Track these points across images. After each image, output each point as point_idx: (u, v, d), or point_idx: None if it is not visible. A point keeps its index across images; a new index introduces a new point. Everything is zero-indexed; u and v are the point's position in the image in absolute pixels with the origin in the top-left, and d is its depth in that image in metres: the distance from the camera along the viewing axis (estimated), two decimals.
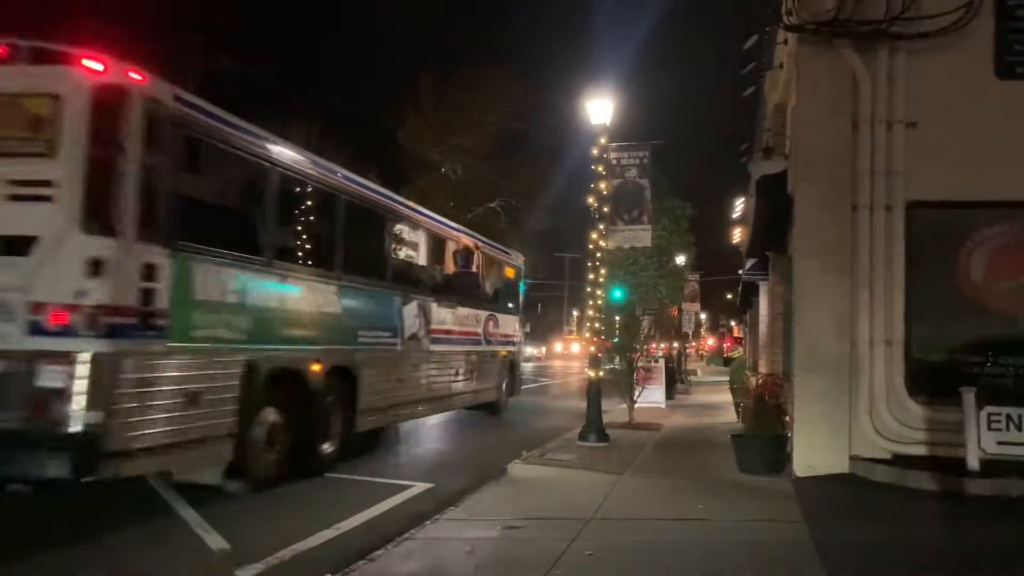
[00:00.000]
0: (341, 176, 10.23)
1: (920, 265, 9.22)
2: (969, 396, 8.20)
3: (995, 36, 9.06)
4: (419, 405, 12.32)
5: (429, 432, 14.44)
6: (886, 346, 9.03)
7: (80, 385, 6.07)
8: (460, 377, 14.01)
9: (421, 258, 13.33)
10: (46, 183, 6.31)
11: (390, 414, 11.27)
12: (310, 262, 9.37)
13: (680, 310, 32.27)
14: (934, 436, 8.79)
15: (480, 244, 15.74)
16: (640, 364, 16.65)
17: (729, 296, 54.31)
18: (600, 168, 12.75)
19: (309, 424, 9.12)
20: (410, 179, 38.29)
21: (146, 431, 6.66)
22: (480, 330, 15.24)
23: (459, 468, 9.87)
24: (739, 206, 24.09)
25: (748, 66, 16.14)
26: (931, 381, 9.08)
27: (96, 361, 6.16)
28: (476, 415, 15.53)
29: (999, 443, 8.13)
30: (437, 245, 13.76)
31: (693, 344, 69.78)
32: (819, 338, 9.12)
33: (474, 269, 14.92)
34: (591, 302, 13.06)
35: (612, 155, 13.04)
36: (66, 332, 6.08)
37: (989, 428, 8.15)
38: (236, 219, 8.23)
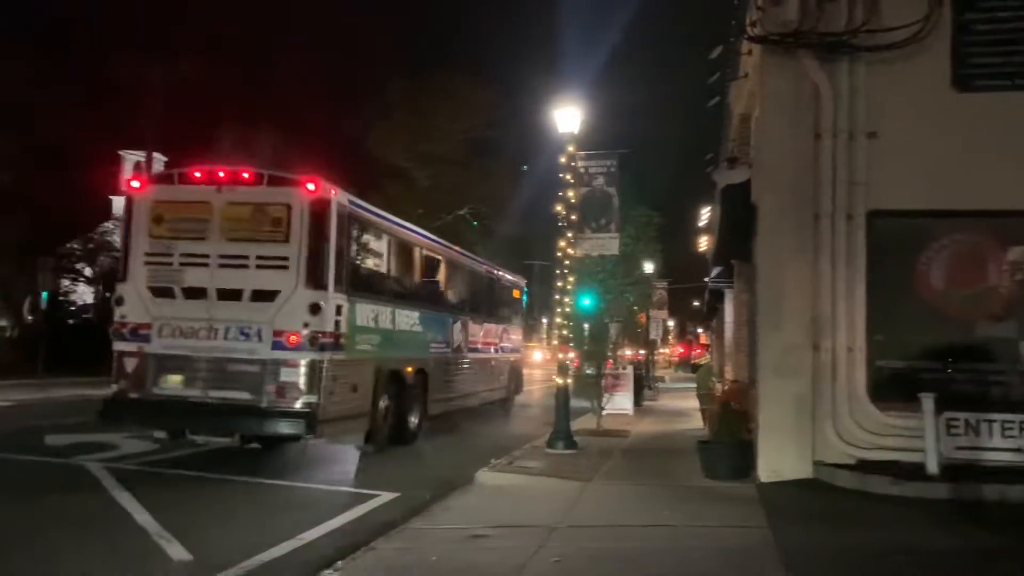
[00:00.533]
0: (422, 235, 14.57)
1: (881, 273, 9.30)
2: (928, 402, 8.32)
3: (952, 49, 9.19)
4: (460, 398, 16.04)
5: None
6: (848, 353, 9.10)
7: (304, 379, 9.77)
8: (484, 377, 17.90)
9: (463, 286, 16.81)
10: (284, 258, 10.12)
11: (444, 403, 14.97)
12: (404, 298, 13.17)
13: (648, 317, 32.49)
14: (896, 441, 8.83)
15: (500, 274, 20.03)
16: (608, 371, 16.76)
17: (696, 303, 54.66)
18: (568, 176, 12.73)
19: (403, 407, 12.78)
20: (379, 186, 38.19)
21: (335, 407, 10.31)
22: (497, 340, 19.21)
23: (426, 477, 9.81)
24: (705, 215, 24.07)
25: (714, 76, 16.32)
26: (892, 387, 9.16)
27: (311, 365, 9.87)
28: (447, 420, 15.78)
29: (957, 448, 8.28)
30: (473, 276, 17.59)
31: (661, 351, 70.27)
32: (783, 345, 9.16)
33: (495, 293, 19.09)
34: (559, 309, 13.13)
35: (580, 163, 13.02)
36: (296, 348, 9.78)
37: (948, 433, 8.29)
38: (376, 273, 12.20)
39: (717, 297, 23.43)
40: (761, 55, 9.74)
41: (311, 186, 10.24)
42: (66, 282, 32.83)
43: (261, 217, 10.18)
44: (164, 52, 32.56)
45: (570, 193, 12.72)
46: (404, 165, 40.12)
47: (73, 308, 32.58)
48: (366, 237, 11.68)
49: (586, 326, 15.81)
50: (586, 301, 14.80)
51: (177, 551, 6.22)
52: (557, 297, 13.20)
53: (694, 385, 28.17)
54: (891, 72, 9.22)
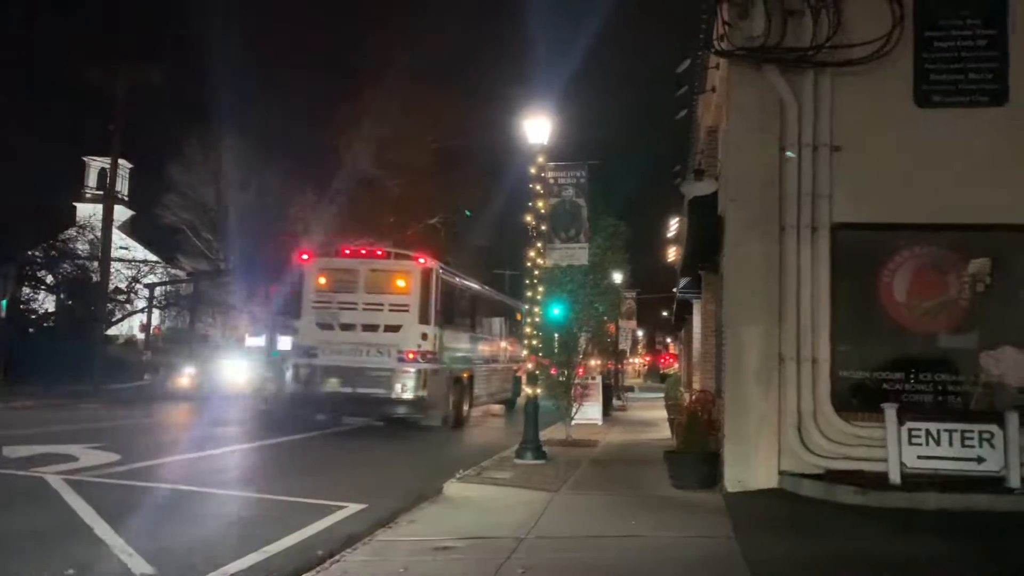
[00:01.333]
0: (474, 283, 22.68)
1: (845, 285, 9.35)
2: (891, 412, 8.42)
3: (914, 65, 9.26)
4: (488, 396, 22.78)
5: (364, 451, 14.26)
6: (812, 364, 9.13)
7: (417, 381, 16.49)
8: (499, 382, 24.31)
9: (491, 314, 23.86)
10: (406, 305, 16.99)
11: (480, 400, 21.70)
12: (465, 326, 20.39)
13: (617, 327, 32.60)
14: (860, 451, 8.88)
15: (511, 302, 26.45)
16: (577, 381, 16.78)
17: (665, 313, 55.01)
18: (538, 187, 12.77)
19: (463, 400, 19.62)
20: (351, 196, 38.02)
21: (431, 399, 17.00)
22: (508, 354, 25.30)
23: (393, 488, 9.72)
24: (673, 226, 24.37)
25: (682, 89, 16.49)
26: (856, 398, 9.21)
27: (421, 371, 16.60)
28: (415, 431, 17.27)
29: (919, 457, 8.33)
30: (496, 306, 24.94)
31: (631, 360, 70.34)
32: (748, 355, 9.20)
33: (506, 317, 25.71)
34: (529, 319, 13.11)
35: (549, 174, 13.07)
36: (412, 361, 16.57)
37: (910, 443, 8.35)
38: (457, 310, 19.48)
39: (685, 308, 23.70)
40: (728, 69, 9.82)
41: (422, 260, 17.51)
42: (27, 290, 32.42)
43: (390, 279, 17.22)
44: (129, 57, 32.20)
45: (540, 203, 12.74)
46: (375, 174, 40.04)
47: (34, 316, 31.75)
48: (449, 288, 18.88)
49: (556, 336, 15.87)
50: (556, 311, 14.79)
51: (139, 564, 6.07)
52: (527, 307, 13.21)
53: (662, 395, 28.38)
54: (856, 87, 9.28)
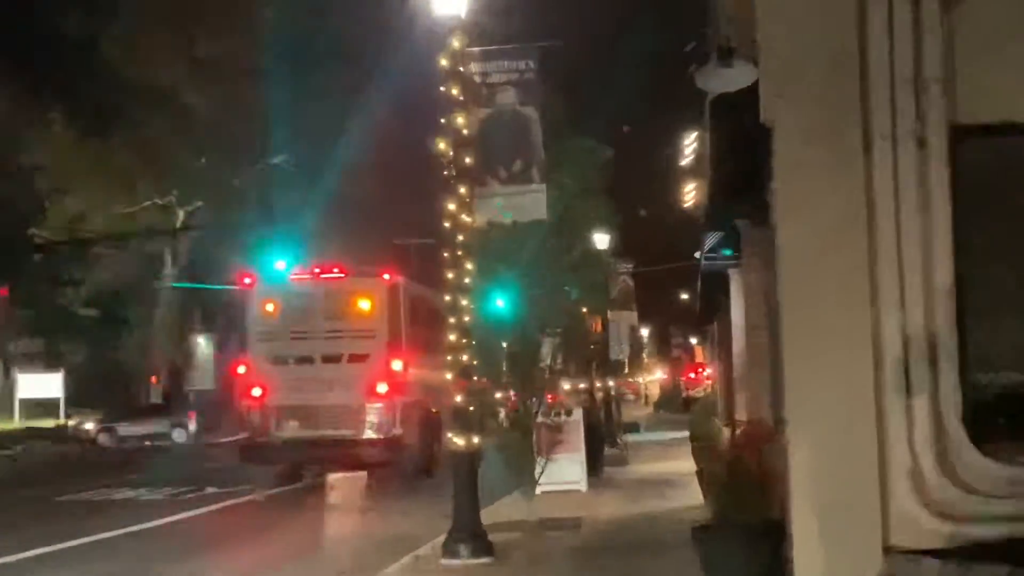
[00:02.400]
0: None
1: (978, 230, 8.53)
2: None
3: None
4: None
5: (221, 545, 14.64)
6: (929, 365, 8.41)
7: (377, 415, 23.55)
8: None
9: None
10: (372, 330, 25.09)
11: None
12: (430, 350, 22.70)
13: (605, 323, 28.34)
14: (1014, 506, 8.29)
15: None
16: (542, 420, 14.74)
17: (685, 296, 46.03)
18: (453, 89, 10.96)
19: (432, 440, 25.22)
20: (130, 120, 37.18)
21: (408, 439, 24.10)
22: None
23: None
24: (690, 148, 20.76)
25: None
26: (1007, 416, 8.62)
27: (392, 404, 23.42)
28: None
29: None
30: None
31: (631, 379, 69.57)
32: (821, 359, 8.59)
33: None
34: (452, 319, 11.49)
35: (474, 67, 11.42)
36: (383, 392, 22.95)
37: None
38: (424, 330, 24.97)
39: (717, 284, 20.48)
40: None
41: (386, 276, 23.53)
42: None
43: (351, 300, 23.91)
44: None
45: (459, 119, 10.97)
46: (166, 83, 38.94)
47: None
48: (418, 305, 25.61)
49: (503, 344, 14.02)
50: (499, 302, 13.27)
51: None
52: (448, 298, 11.51)
53: (686, 433, 27.70)
54: None
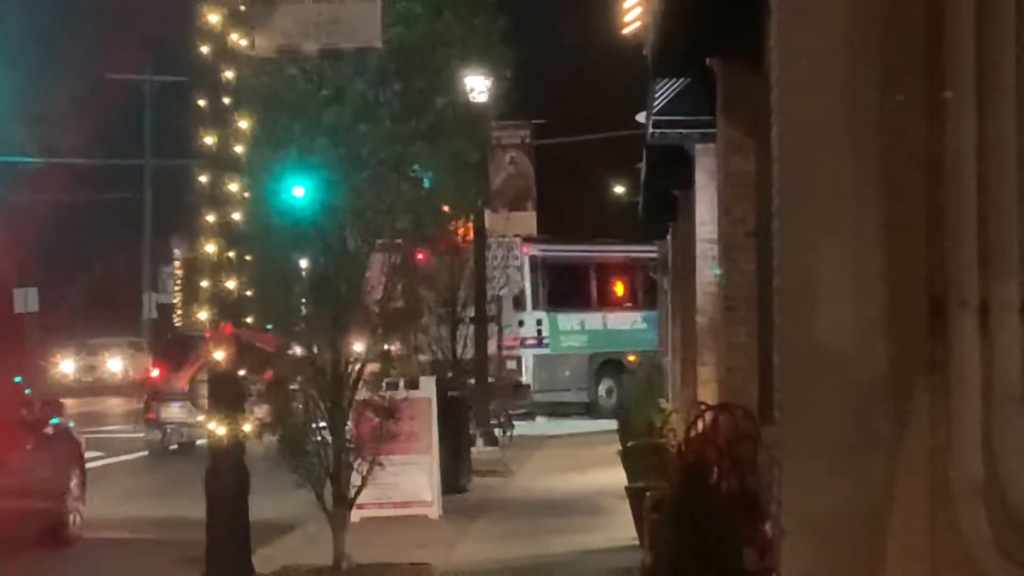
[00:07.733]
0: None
1: None
2: None
3: None
4: None
5: None
6: (1020, 315, 5.75)
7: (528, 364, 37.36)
8: None
9: None
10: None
11: None
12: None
13: (482, 231, 19.03)
14: None
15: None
16: (367, 393, 10.30)
17: (619, 191, 33.09)
18: None
19: None
20: None
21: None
22: None
23: None
24: None
25: None
26: None
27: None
28: None
29: None
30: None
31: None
32: (836, 300, 6.04)
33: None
34: (209, 217, 8.63)
35: None
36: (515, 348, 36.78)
37: None
38: (563, 289, 37.91)
39: (672, 168, 14.74)
40: None
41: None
42: None
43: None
44: None
45: None
46: None
47: None
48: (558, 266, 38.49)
49: (303, 264, 10.25)
50: (298, 191, 9.69)
51: None
52: (203, 179, 8.78)
53: (613, 424, 17.82)
54: None
